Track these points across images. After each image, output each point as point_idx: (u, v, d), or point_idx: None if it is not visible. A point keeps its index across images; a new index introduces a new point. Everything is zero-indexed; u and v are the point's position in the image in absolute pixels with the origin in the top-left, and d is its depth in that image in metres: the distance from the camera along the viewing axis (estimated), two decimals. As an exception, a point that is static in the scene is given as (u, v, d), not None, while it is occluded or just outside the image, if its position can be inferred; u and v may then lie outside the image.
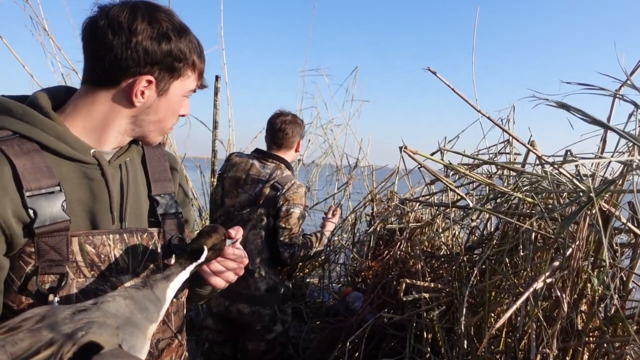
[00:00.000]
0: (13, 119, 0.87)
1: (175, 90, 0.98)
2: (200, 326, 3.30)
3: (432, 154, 1.91)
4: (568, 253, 1.25)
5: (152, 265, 1.00)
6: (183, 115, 1.06)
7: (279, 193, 2.34)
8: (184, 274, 0.88)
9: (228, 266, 1.06)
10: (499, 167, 1.91)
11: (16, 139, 0.86)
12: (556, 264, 1.27)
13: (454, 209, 2.43)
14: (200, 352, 2.86)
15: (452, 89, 1.15)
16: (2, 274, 0.83)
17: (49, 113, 0.90)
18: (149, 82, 0.92)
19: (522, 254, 1.80)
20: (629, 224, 1.22)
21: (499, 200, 1.90)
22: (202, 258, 0.91)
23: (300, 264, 3.27)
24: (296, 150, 2.56)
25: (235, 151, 2.64)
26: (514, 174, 1.94)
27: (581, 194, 1.14)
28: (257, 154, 2.51)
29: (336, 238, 4.00)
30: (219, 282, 1.06)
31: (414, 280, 1.79)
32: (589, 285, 1.59)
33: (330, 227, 2.64)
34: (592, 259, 1.33)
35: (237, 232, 1.02)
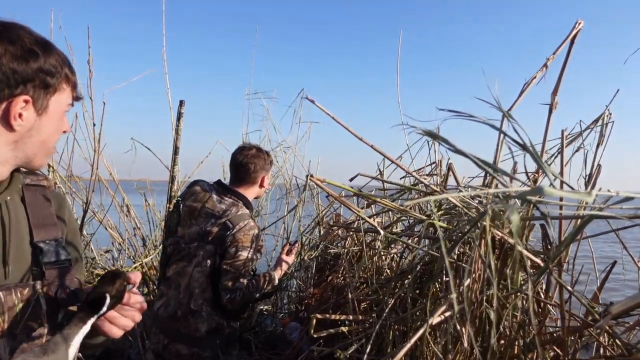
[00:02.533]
0: None
1: (54, 107, 0.92)
2: (139, 364, 3.12)
3: (351, 179, 1.86)
4: (466, 284, 1.20)
5: (36, 327, 0.89)
6: (65, 132, 1.00)
7: (229, 232, 2.20)
8: (85, 329, 0.80)
9: (126, 314, 0.95)
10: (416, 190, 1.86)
11: None
12: (453, 296, 1.21)
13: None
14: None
15: (333, 118, 1.09)
16: None
17: None
18: (26, 101, 0.86)
19: (445, 279, 1.75)
20: (524, 251, 1.17)
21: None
22: (104, 308, 0.83)
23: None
24: (261, 186, 2.43)
25: (200, 179, 2.51)
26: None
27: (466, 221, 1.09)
28: (218, 186, 2.39)
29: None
30: (115, 332, 0.95)
31: (326, 315, 1.71)
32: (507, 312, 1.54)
33: (284, 266, 2.50)
34: (496, 288, 1.28)
35: (136, 277, 0.94)
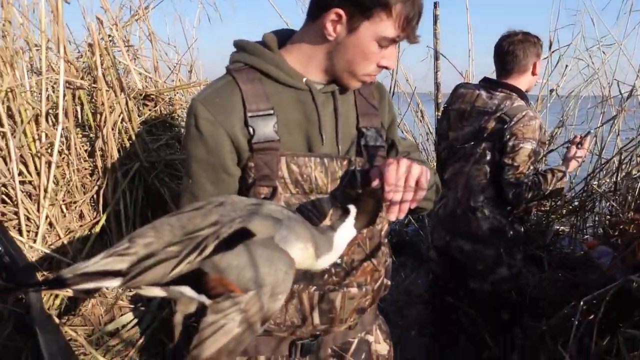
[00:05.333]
0: (246, 54, 1.07)
1: (364, 32, 0.99)
2: (426, 258, 3.37)
3: None
4: None
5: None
6: (386, 68, 1.06)
7: (506, 126, 2.12)
8: (347, 225, 0.90)
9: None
10: None
11: (245, 69, 1.05)
12: None
13: None
14: (426, 282, 2.95)
15: None
16: (235, 180, 1.05)
17: (272, 48, 1.06)
18: (339, 15, 0.97)
19: None
20: None
21: None
22: (350, 220, 0.91)
23: (535, 204, 2.95)
24: (533, 74, 2.24)
25: (463, 82, 2.50)
26: None
27: None
28: (485, 83, 2.32)
29: (596, 182, 3.38)
30: (396, 212, 1.00)
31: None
32: None
33: (572, 163, 2.26)
34: None
35: (374, 179, 0.99)
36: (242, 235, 0.71)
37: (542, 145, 2.20)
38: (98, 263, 0.68)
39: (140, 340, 1.94)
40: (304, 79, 1.05)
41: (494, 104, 2.19)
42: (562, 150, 3.35)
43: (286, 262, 0.71)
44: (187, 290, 0.69)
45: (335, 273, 1.08)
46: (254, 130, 1.00)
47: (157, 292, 0.71)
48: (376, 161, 1.10)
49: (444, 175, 2.40)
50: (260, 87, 1.02)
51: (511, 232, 2.28)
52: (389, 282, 1.23)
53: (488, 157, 2.19)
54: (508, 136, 2.11)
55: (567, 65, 3.71)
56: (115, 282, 0.68)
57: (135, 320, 2.00)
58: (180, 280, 0.67)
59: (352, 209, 0.91)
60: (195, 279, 0.67)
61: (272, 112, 1.01)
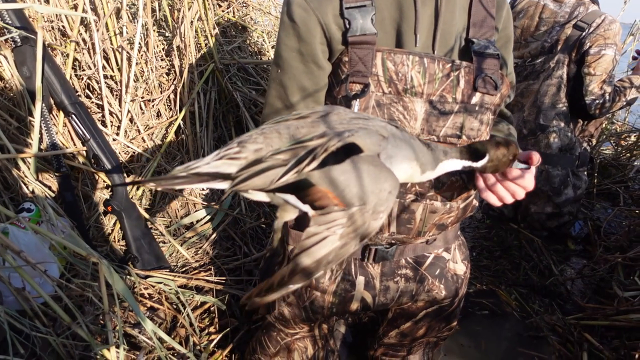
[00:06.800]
0: None
1: None
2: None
3: None
4: None
5: (449, 99, 0.99)
6: None
7: (584, 34, 2.00)
8: (456, 164, 0.86)
9: (507, 187, 0.97)
10: None
11: None
12: None
13: None
14: (487, 205, 2.88)
15: None
16: (324, 74, 1.01)
17: None
18: None
19: None
20: None
21: None
22: (479, 164, 0.87)
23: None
24: None
25: None
26: None
27: None
28: None
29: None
30: (491, 199, 1.00)
31: None
32: None
33: None
34: None
35: (535, 160, 0.92)
36: (350, 150, 0.69)
37: (619, 51, 2.06)
38: (209, 164, 0.69)
39: (213, 235, 2.05)
40: None
41: (565, 12, 2.07)
42: None
43: (391, 182, 0.69)
44: (291, 199, 0.69)
45: (420, 183, 1.03)
46: (349, 22, 0.93)
47: (263, 197, 0.71)
48: (486, 69, 1.00)
49: None
50: None
51: (579, 151, 2.21)
52: (477, 203, 1.17)
53: (561, 71, 2.08)
54: (589, 44, 1.99)
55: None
56: (223, 185, 0.69)
57: (209, 217, 2.11)
58: (286, 188, 0.68)
59: (484, 160, 0.86)
60: (301, 188, 0.68)
61: (370, 2, 0.94)
